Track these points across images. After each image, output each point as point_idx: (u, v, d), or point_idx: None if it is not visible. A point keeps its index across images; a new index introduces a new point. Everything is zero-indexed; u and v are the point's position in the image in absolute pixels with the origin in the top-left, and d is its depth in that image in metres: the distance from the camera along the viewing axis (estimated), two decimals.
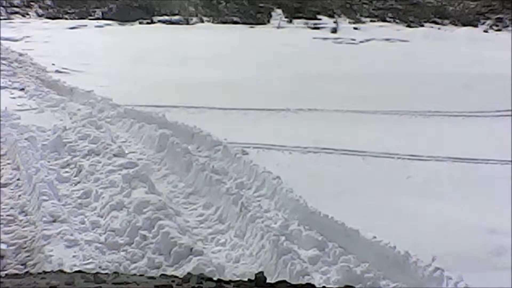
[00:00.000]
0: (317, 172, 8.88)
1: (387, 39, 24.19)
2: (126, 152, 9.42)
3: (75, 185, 8.03)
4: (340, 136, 10.72)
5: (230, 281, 2.68)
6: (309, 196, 7.26)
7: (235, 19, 27.13)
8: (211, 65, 17.37)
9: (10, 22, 25.38)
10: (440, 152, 9.91)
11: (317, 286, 2.57)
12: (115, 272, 3.18)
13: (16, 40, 21.35)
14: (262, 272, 2.64)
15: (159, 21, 26.24)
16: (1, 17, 26.23)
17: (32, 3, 29.11)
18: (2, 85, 14.18)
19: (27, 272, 3.57)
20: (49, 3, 29.27)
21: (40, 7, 28.52)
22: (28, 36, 21.96)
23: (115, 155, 8.86)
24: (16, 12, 27.47)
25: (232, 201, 7.04)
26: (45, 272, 3.00)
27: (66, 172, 8.50)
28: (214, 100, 12.98)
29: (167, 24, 25.92)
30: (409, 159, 9.69)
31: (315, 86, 14.92)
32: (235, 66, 17.25)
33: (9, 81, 14.76)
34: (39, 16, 27.10)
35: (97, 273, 2.83)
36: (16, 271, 4.74)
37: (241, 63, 17.71)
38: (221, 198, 7.31)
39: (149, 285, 2.56)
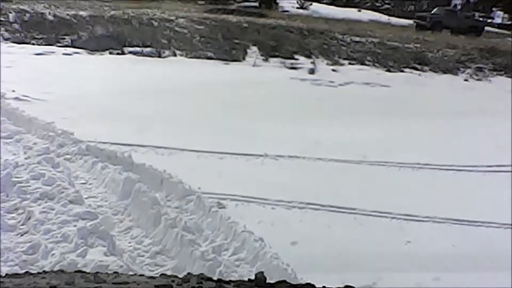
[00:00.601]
0: (305, 233, 7.78)
1: (366, 83, 23.42)
2: (85, 197, 8.26)
3: (22, 235, 6.80)
4: (326, 189, 9.74)
5: (230, 281, 2.60)
6: (298, 265, 6.18)
7: (209, 54, 26.17)
8: (183, 101, 16.29)
9: None
10: (437, 211, 9.05)
11: (317, 286, 2.46)
12: (115, 272, 2.94)
13: None
14: (262, 272, 2.55)
15: (130, 52, 25.05)
16: None
17: None
18: None
19: (27, 272, 3.02)
20: (16, 27, 28.04)
21: (6, 30, 27.25)
22: None
23: (71, 202, 7.64)
24: None
25: (208, 269, 5.86)
26: (45, 272, 2.85)
27: (13, 218, 7.26)
28: (185, 141, 11.88)
29: (138, 56, 24.75)
30: (404, 219, 8.69)
31: (294, 130, 13.90)
32: (208, 103, 16.19)
33: None
34: (5, 39, 25.74)
35: (97, 272, 2.72)
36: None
37: (213, 100, 16.65)
38: (194, 263, 6.15)
39: (149, 285, 2.51)
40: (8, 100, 14.47)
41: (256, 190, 9.36)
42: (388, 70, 27.01)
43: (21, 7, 33.83)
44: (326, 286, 2.39)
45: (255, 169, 10.97)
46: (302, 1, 63.07)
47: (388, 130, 14.65)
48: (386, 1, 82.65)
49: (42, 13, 31.74)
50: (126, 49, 25.29)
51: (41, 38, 26.22)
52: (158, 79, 19.46)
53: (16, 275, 2.85)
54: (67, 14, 32.29)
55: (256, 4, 62.09)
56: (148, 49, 25.55)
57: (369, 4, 75.54)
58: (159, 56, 25.06)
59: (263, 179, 10.30)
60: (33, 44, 25.39)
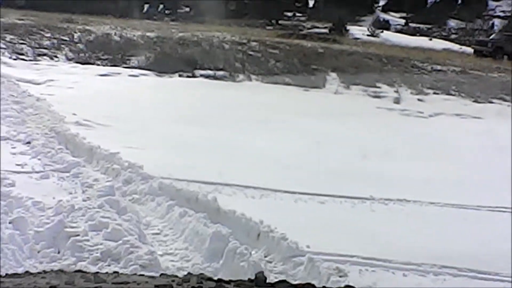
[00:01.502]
0: None
1: (457, 114, 21.06)
2: (159, 253, 6.18)
3: None
4: (455, 246, 7.63)
5: (230, 280, 2.60)
6: None
7: (287, 79, 24.05)
8: (266, 131, 14.10)
9: (36, 64, 22.51)
10: None
11: (317, 286, 2.45)
12: (115, 272, 3.03)
13: (38, 84, 18.44)
14: (262, 272, 2.60)
15: (201, 75, 23.12)
16: (27, 58, 23.46)
17: (62, 46, 26.38)
18: (3, 135, 11.05)
19: (27, 272, 3.08)
20: (81, 46, 26.49)
21: (71, 50, 25.72)
22: (51, 80, 18.97)
23: (143, 266, 5.54)
24: (44, 54, 24.64)
25: None
26: (45, 272, 2.97)
27: None
28: (277, 180, 9.68)
29: (210, 79, 22.79)
30: None
31: (397, 168, 11.63)
32: (297, 134, 13.97)
33: (14, 130, 11.55)
34: (69, 60, 24.19)
35: (97, 272, 2.80)
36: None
37: (302, 132, 14.43)
38: None
39: (149, 285, 2.53)
40: (68, 125, 12.57)
41: (376, 249, 7.15)
42: (476, 101, 24.61)
43: (87, 27, 32.57)
44: (326, 286, 2.80)
45: (365, 217, 8.71)
46: (373, 29, 61.82)
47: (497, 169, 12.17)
48: (453, 31, 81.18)
49: (108, 34, 30.35)
50: (197, 72, 23.37)
51: (106, 59, 24.57)
52: (234, 106, 17.39)
53: (16, 275, 2.86)
54: (134, 35, 30.84)
55: (326, 30, 61.05)
56: (221, 72, 23.60)
57: (437, 34, 74.03)
58: (233, 80, 23.04)
59: (379, 232, 8.05)
60: (97, 64, 23.73)
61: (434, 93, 25.31)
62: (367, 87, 24.47)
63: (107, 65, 23.62)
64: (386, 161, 11.97)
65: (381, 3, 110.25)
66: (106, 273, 2.90)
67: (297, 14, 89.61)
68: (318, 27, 66.86)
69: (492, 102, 24.80)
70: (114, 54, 25.18)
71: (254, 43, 32.25)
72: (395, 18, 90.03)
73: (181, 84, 21.21)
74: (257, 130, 14.14)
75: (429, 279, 6.79)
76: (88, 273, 2.78)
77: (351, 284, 3.33)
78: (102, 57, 24.78)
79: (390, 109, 21.21)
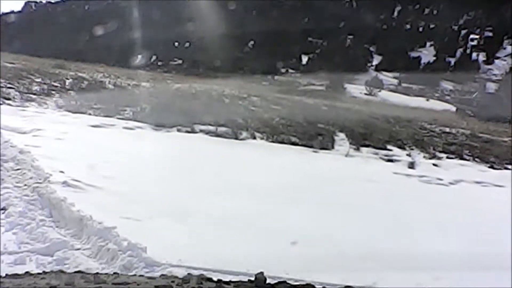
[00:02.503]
0: None
1: (477, 182, 19.42)
2: None
3: None
4: None
5: (230, 281, 2.58)
6: None
7: (293, 139, 22.28)
8: (287, 201, 12.12)
9: (23, 110, 20.57)
10: None
11: (317, 286, 2.46)
12: (115, 273, 2.97)
13: (23, 133, 16.51)
14: (262, 273, 2.58)
15: (201, 130, 21.26)
16: (14, 104, 21.55)
17: (53, 92, 24.54)
18: None
19: (27, 272, 2.97)
20: (72, 94, 24.66)
21: (61, 97, 23.87)
22: (38, 129, 17.02)
23: None
24: (33, 100, 22.70)
25: None
26: (45, 272, 2.95)
27: None
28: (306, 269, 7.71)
29: (211, 135, 20.96)
30: None
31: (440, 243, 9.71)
32: (321, 206, 12.06)
33: None
34: (59, 107, 22.28)
35: (97, 273, 2.81)
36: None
37: (327, 201, 12.54)
38: None
39: (149, 285, 2.56)
40: (54, 185, 10.57)
41: None
42: (492, 167, 23.23)
43: (79, 74, 30.90)
44: (326, 286, 2.60)
45: None
46: (371, 88, 61.42)
47: None
48: (446, 93, 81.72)
49: (101, 82, 28.62)
50: (197, 127, 21.50)
51: (99, 108, 22.66)
52: (242, 168, 15.48)
53: (16, 275, 2.83)
54: (128, 85, 29.14)
55: (323, 88, 60.57)
56: (223, 128, 21.74)
57: (430, 94, 74.32)
58: (236, 138, 21.20)
59: None
60: (89, 114, 21.80)
61: (448, 157, 23.98)
62: (378, 149, 23.06)
63: (100, 115, 21.74)
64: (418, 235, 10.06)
65: (374, 62, 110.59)
66: (106, 274, 2.88)
67: (290, 70, 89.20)
68: (314, 84, 66.35)
69: (508, 169, 23.34)
70: (107, 103, 23.32)
71: (255, 98, 30.78)
72: (388, 78, 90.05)
73: (181, 140, 19.32)
74: (277, 199, 12.21)
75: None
76: (88, 273, 2.75)
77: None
78: (95, 106, 22.92)
79: (407, 175, 19.49)
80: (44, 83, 26.33)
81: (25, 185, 10.53)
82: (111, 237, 7.74)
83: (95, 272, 3.76)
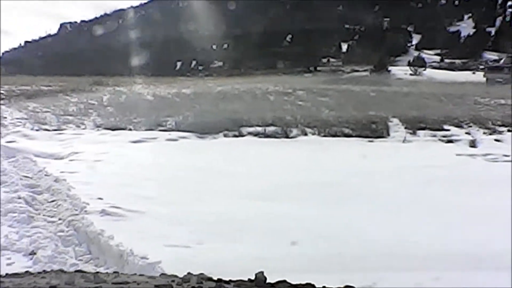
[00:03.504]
0: None
1: None
2: None
3: None
4: None
5: (230, 280, 2.55)
6: None
7: (346, 130, 20.85)
8: (359, 203, 10.74)
9: (60, 134, 19.52)
10: None
11: (317, 286, 2.41)
12: (115, 272, 3.01)
13: (59, 158, 15.46)
14: (262, 272, 2.53)
15: (249, 133, 19.98)
16: (51, 128, 20.55)
17: (90, 110, 23.53)
18: (2, 243, 7.93)
19: (27, 271, 2.94)
20: (111, 110, 23.61)
21: (99, 115, 22.80)
22: (76, 153, 15.92)
23: None
24: (70, 122, 21.66)
25: None
26: (45, 272, 2.94)
27: None
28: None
29: (260, 137, 19.68)
30: None
31: None
32: (385, 204, 10.68)
33: (17, 232, 8.46)
34: (97, 126, 21.18)
35: (97, 272, 2.77)
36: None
37: (389, 200, 11.12)
38: None
39: (149, 285, 2.50)
40: (91, 216, 9.41)
41: None
42: None
43: (117, 88, 29.94)
44: (326, 286, 2.33)
45: None
46: (415, 68, 59.74)
47: None
48: (490, 63, 79.74)
49: (140, 93, 27.53)
50: (244, 130, 20.21)
51: (139, 122, 21.49)
52: (299, 169, 14.18)
53: (16, 275, 2.80)
54: (168, 93, 28.01)
55: (367, 73, 59.27)
56: (271, 128, 20.42)
57: (474, 67, 72.67)
58: (287, 136, 19.86)
59: None
60: (129, 129, 20.64)
61: (509, 130, 22.35)
62: (434, 130, 21.72)
63: (141, 129, 20.57)
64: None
65: (414, 41, 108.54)
66: (106, 273, 2.88)
67: (331, 60, 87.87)
68: (358, 70, 65.32)
69: None
70: (148, 116, 22.15)
71: (300, 92, 29.43)
72: (429, 56, 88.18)
73: (229, 147, 18.03)
74: (347, 201, 10.84)
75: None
76: (88, 273, 2.71)
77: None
78: (135, 120, 21.77)
79: (471, 155, 17.99)
80: (81, 103, 25.37)
81: (60, 219, 9.41)
82: (156, 274, 6.46)
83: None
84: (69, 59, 75.97)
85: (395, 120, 22.92)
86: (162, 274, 3.37)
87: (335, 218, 9.47)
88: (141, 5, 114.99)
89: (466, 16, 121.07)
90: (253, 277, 2.54)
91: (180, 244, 7.88)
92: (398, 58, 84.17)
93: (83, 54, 79.29)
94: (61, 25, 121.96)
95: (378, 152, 17.99)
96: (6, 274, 2.80)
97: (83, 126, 21.14)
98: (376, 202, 10.79)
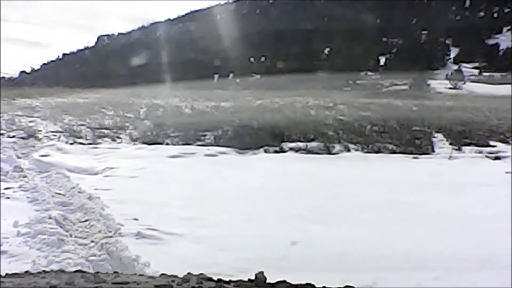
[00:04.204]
0: None
1: None
2: None
3: None
4: None
5: (230, 281, 2.62)
6: None
7: (390, 146, 19.98)
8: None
9: (95, 148, 18.87)
10: None
11: (317, 286, 2.47)
12: (115, 272, 2.99)
13: (94, 174, 14.82)
14: (262, 272, 2.58)
15: (291, 148, 19.16)
16: (86, 142, 19.93)
17: (126, 124, 22.90)
18: (29, 269, 7.17)
19: (27, 271, 2.97)
20: (148, 123, 22.96)
21: (135, 128, 22.14)
22: (111, 168, 15.23)
23: None
24: (105, 136, 21.00)
25: None
26: (45, 272, 2.95)
27: None
28: None
29: (302, 153, 18.85)
30: None
31: None
32: (437, 225, 9.86)
33: (45, 257, 7.76)
34: (133, 140, 20.50)
35: (97, 272, 2.75)
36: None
37: (441, 222, 10.32)
38: None
39: (149, 285, 2.52)
40: (126, 239, 8.69)
41: None
42: None
43: (154, 101, 29.33)
44: (326, 286, 2.39)
45: None
46: (454, 82, 58.74)
47: None
48: None
49: (178, 106, 26.88)
50: (286, 145, 19.40)
51: (177, 136, 20.78)
52: (348, 188, 13.35)
53: (16, 275, 2.82)
54: (207, 106, 27.33)
55: (407, 87, 58.45)
56: (313, 143, 19.58)
57: None
58: (329, 152, 19.01)
59: None
60: (167, 144, 19.92)
61: None
62: (480, 147, 20.76)
63: (178, 144, 19.83)
64: None
65: (452, 55, 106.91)
66: (106, 273, 2.80)
67: (369, 73, 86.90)
68: (397, 84, 64.34)
69: None
70: (185, 130, 21.43)
71: (341, 106, 28.61)
72: (468, 69, 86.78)
73: (270, 163, 17.16)
74: (416, 221, 10.03)
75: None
76: (88, 273, 2.68)
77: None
78: (172, 134, 21.06)
79: None
80: (117, 115, 24.75)
81: (92, 241, 8.70)
82: None
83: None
84: (106, 72, 75.95)
85: (440, 136, 22.09)
86: (162, 274, 3.29)
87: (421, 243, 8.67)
88: (178, 17, 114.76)
89: (505, 29, 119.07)
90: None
91: (223, 273, 7.08)
92: (435, 72, 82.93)
93: (120, 67, 79.17)
94: (99, 37, 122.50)
95: (425, 170, 17.13)
96: (6, 274, 2.79)
97: (119, 140, 20.48)
98: (447, 221, 10.06)
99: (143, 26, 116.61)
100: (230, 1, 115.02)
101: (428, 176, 15.88)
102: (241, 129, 20.98)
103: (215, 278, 2.53)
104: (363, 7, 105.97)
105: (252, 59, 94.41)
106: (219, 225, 9.80)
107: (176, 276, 2.70)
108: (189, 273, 2.70)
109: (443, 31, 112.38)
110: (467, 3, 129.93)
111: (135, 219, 9.85)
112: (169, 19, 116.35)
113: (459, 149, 20.43)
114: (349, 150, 19.47)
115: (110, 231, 9.31)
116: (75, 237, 9.08)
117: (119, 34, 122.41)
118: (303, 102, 29.56)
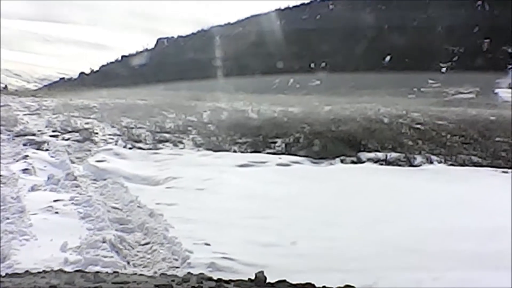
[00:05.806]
0: None
1: None
2: None
3: None
4: None
5: (230, 280, 2.62)
6: None
7: (474, 159, 18.10)
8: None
9: (156, 153, 17.28)
10: None
11: (317, 286, 2.44)
12: (115, 272, 3.07)
13: (155, 184, 13.26)
14: (262, 272, 2.62)
15: (369, 159, 17.35)
16: (146, 146, 18.39)
17: (189, 128, 21.31)
18: None
19: (27, 271, 2.95)
20: (212, 128, 21.37)
21: (199, 133, 20.52)
22: (174, 178, 13.58)
23: None
24: (167, 140, 19.39)
25: None
26: (45, 272, 2.93)
27: None
28: None
29: (381, 164, 17.04)
30: None
31: None
32: None
33: None
34: (197, 146, 18.85)
35: (97, 272, 2.82)
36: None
37: None
38: None
39: (149, 285, 2.58)
40: (196, 270, 6.96)
41: None
42: None
43: (218, 104, 27.82)
44: (326, 286, 2.46)
45: None
46: None
47: None
48: None
49: (243, 110, 25.30)
50: (363, 155, 17.58)
51: (244, 143, 19.05)
52: (445, 208, 11.48)
53: (16, 274, 2.88)
54: (274, 111, 25.68)
55: (473, 95, 56.47)
56: (393, 154, 17.74)
57: None
58: (411, 164, 17.17)
59: None
60: (234, 151, 18.19)
61: None
62: None
63: (247, 151, 18.10)
64: None
65: None
66: (106, 273, 2.94)
67: (430, 81, 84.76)
68: (462, 92, 62.37)
69: None
70: (253, 136, 19.73)
71: (415, 114, 26.74)
72: None
73: (349, 175, 15.35)
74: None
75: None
76: (88, 272, 2.77)
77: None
78: (240, 141, 19.32)
79: None
80: (179, 119, 23.16)
81: (155, 272, 7.06)
82: None
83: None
84: (165, 74, 74.96)
85: None
86: (162, 274, 3.50)
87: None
88: (237, 21, 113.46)
89: None
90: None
91: None
92: (497, 80, 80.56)
93: (179, 69, 78.32)
94: (158, 40, 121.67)
95: None
96: (6, 274, 3.00)
97: (181, 146, 18.84)
98: None
99: (202, 29, 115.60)
100: (290, 6, 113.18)
101: None
102: (312, 136, 19.22)
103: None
104: (424, 15, 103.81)
105: (312, 65, 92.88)
106: (305, 255, 8.14)
107: (176, 276, 2.81)
108: (189, 273, 2.85)
109: (506, 39, 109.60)
110: None
111: (207, 244, 8.23)
112: (228, 23, 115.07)
113: None
114: (431, 162, 17.58)
115: (176, 260, 7.74)
116: (133, 265, 7.51)
117: (178, 36, 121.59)
118: (374, 109, 27.78)
